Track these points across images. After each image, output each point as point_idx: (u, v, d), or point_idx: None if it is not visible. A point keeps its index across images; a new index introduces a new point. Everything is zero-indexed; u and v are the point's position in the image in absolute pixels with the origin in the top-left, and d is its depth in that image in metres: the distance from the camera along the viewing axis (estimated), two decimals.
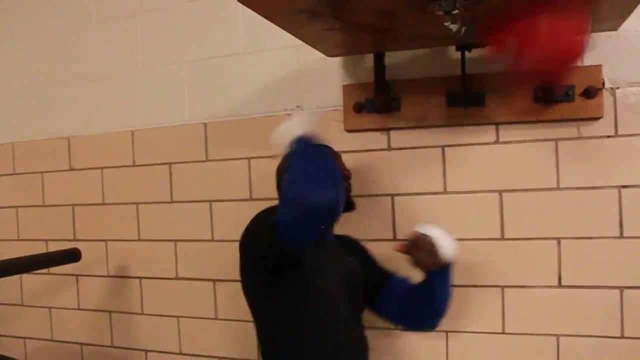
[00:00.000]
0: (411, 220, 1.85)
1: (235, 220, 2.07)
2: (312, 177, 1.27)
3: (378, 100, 1.84)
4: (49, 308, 2.55)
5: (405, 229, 1.83)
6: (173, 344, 2.28)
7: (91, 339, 2.46)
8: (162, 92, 2.26)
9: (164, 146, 2.26)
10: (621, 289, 1.67)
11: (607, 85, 1.67)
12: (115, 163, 2.36)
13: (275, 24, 1.46)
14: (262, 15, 1.38)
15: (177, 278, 2.25)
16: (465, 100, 1.75)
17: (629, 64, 1.66)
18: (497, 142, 1.78)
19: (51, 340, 2.56)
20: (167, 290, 2.27)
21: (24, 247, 2.50)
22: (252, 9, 1.33)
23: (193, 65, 2.20)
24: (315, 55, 1.86)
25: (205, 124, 2.18)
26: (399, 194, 1.89)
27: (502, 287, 1.79)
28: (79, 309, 2.48)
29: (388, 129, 1.90)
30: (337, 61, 1.95)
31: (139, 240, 2.32)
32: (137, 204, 2.32)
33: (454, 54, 1.76)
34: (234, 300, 2.12)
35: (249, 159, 2.10)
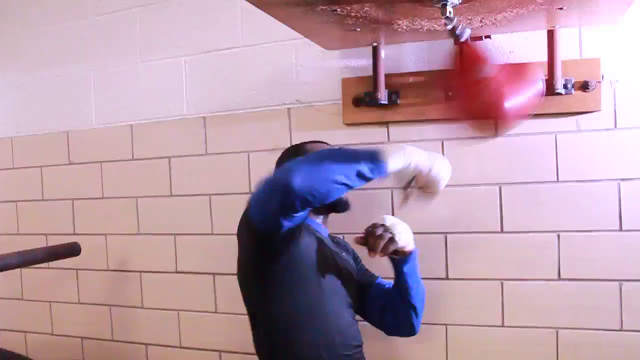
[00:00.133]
0: (410, 214, 1.85)
1: (235, 214, 2.07)
2: (303, 167, 1.25)
3: (377, 94, 1.83)
4: (49, 302, 2.56)
5: (404, 222, 1.83)
6: (173, 337, 2.28)
7: (91, 333, 2.47)
8: (161, 86, 2.26)
9: (163, 140, 2.25)
10: (620, 282, 1.67)
11: (606, 78, 1.67)
12: (114, 157, 2.36)
13: (273, 16, 1.45)
14: (259, 8, 1.37)
15: (177, 272, 2.26)
16: None
17: (628, 56, 1.66)
18: (496, 135, 1.77)
19: (51, 334, 2.56)
20: (167, 283, 2.28)
21: (23, 241, 2.49)
22: (250, 2, 1.32)
23: (192, 59, 2.20)
24: (314, 48, 1.86)
25: (204, 118, 2.18)
26: (397, 187, 1.88)
27: (502, 280, 1.79)
28: (79, 303, 2.48)
29: (387, 123, 1.90)
30: (335, 54, 1.94)
31: (139, 234, 2.33)
32: (136, 197, 2.32)
33: (453, 47, 1.75)
34: (234, 293, 2.11)
35: (248, 152, 2.10)
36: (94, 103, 2.40)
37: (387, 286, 1.66)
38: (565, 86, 1.65)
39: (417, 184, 1.42)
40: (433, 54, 1.83)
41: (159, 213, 2.28)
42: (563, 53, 1.64)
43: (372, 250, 1.42)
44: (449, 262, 1.85)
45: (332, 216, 1.66)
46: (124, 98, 2.34)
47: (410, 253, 1.51)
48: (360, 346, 1.58)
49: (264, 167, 2.00)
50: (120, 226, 2.36)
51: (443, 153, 1.83)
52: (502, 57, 1.76)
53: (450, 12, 1.25)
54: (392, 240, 1.42)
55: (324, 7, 1.34)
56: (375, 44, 1.79)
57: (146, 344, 2.35)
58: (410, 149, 1.33)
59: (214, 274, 2.18)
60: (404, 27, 1.54)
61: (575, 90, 1.66)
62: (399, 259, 1.52)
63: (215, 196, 2.17)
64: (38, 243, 2.42)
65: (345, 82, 1.92)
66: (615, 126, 1.67)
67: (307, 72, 2.01)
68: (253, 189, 1.28)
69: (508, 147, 1.77)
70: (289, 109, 2.03)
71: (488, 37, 1.71)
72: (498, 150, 1.78)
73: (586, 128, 1.69)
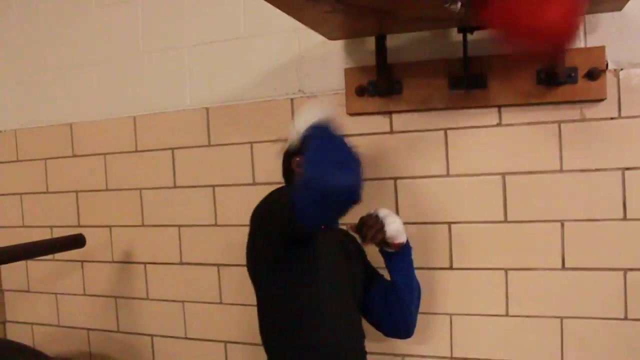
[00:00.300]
0: (414, 204, 1.86)
1: (239, 205, 2.10)
2: (333, 160, 1.27)
3: (380, 83, 1.83)
4: (55, 294, 2.57)
5: (408, 212, 1.83)
6: (178, 328, 2.29)
7: (97, 324, 2.48)
8: (164, 78, 2.26)
9: (167, 131, 2.25)
10: (625, 270, 1.67)
11: (611, 66, 1.65)
12: (118, 149, 2.36)
13: (276, 6, 1.45)
14: None
15: (182, 263, 2.27)
16: (467, 83, 1.74)
17: (633, 44, 1.65)
18: (499, 124, 1.77)
19: (58, 325, 2.58)
20: (172, 275, 2.29)
21: (28, 233, 2.51)
22: None
23: (194, 50, 2.19)
24: (317, 38, 1.85)
25: (207, 109, 2.18)
26: (401, 177, 1.89)
27: (506, 269, 1.79)
28: (84, 294, 2.49)
29: (390, 112, 1.89)
30: (338, 44, 1.94)
31: (143, 225, 2.33)
32: (140, 189, 2.33)
33: (456, 36, 1.74)
34: (239, 284, 2.14)
35: (251, 143, 2.10)
36: (96, 95, 2.40)
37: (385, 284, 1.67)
38: (569, 75, 1.64)
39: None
40: (436, 44, 1.82)
41: (163, 204, 2.29)
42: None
43: (363, 237, 1.47)
44: (453, 251, 1.84)
45: None
46: (126, 90, 2.34)
47: (400, 246, 1.54)
48: (364, 338, 1.59)
49: (268, 157, 2.02)
50: (125, 218, 2.37)
51: (446, 142, 1.83)
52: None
53: None
54: (381, 229, 1.47)
55: None
56: (378, 34, 1.79)
57: (152, 335, 2.36)
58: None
59: (218, 265, 2.19)
60: (408, 17, 1.53)
61: (579, 79, 1.65)
62: (390, 253, 1.56)
63: (219, 187, 2.17)
64: (43, 235, 2.44)
65: (349, 72, 1.92)
66: (620, 115, 1.66)
67: (310, 62, 2.00)
68: (300, 185, 1.27)
69: (512, 135, 1.76)
70: (292, 99, 2.02)
71: None
72: (502, 139, 1.77)
73: (591, 117, 1.68)
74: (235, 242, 2.09)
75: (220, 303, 2.20)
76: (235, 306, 2.17)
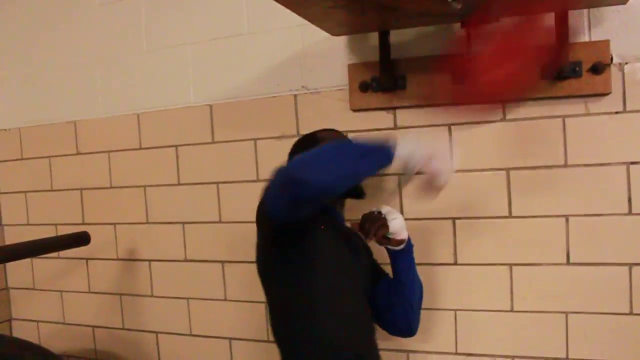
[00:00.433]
0: (418, 200, 1.85)
1: (243, 202, 2.10)
2: (320, 160, 1.27)
3: (384, 79, 1.82)
4: (60, 292, 2.58)
5: (412, 208, 1.83)
6: (183, 325, 2.30)
7: (102, 322, 2.49)
8: (167, 75, 2.26)
9: (170, 129, 2.26)
10: (630, 265, 1.67)
11: (615, 60, 1.65)
12: (121, 146, 2.36)
13: (279, 2, 1.44)
14: None
15: (186, 260, 2.27)
16: None
17: (638, 38, 1.64)
18: (503, 119, 1.77)
19: (63, 323, 2.59)
20: (176, 272, 2.29)
21: (33, 231, 2.52)
22: None
23: (197, 47, 2.19)
24: (320, 34, 1.84)
25: (210, 106, 2.18)
26: (405, 173, 1.88)
27: (510, 265, 1.78)
28: (89, 292, 2.50)
29: (394, 108, 1.89)
30: (342, 40, 1.93)
31: (147, 223, 2.34)
32: (144, 186, 2.33)
33: (460, 31, 1.74)
34: (243, 281, 2.14)
35: (255, 139, 2.09)
36: (100, 92, 2.40)
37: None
38: (574, 69, 1.63)
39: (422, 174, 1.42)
40: (440, 39, 1.81)
41: (167, 202, 2.29)
42: (571, 35, 1.62)
43: (366, 233, 1.49)
44: (457, 247, 1.84)
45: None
46: (130, 87, 2.34)
47: (402, 243, 1.56)
48: (374, 332, 1.60)
49: (271, 154, 2.02)
50: (129, 215, 2.37)
51: (450, 138, 1.82)
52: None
53: None
54: (383, 225, 1.48)
55: None
56: (382, 29, 1.78)
57: (156, 332, 2.37)
58: (416, 140, 1.34)
59: (222, 261, 2.19)
60: (411, 12, 1.53)
61: (584, 73, 1.64)
62: (393, 250, 1.58)
63: (223, 184, 2.17)
64: (48, 233, 2.45)
65: (352, 68, 1.91)
66: (625, 109, 1.65)
67: (313, 58, 2.00)
68: (268, 178, 1.28)
69: (516, 131, 1.75)
70: (295, 95, 2.02)
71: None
72: (506, 134, 1.76)
73: (595, 111, 1.68)
74: (239, 239, 2.11)
75: (225, 300, 2.20)
76: (240, 303, 2.17)
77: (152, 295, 2.36)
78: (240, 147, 2.12)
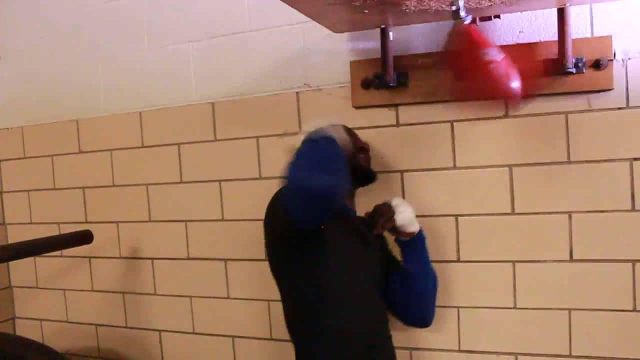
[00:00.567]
0: (421, 196, 1.85)
1: (245, 199, 2.10)
2: (314, 163, 1.32)
3: (386, 76, 1.82)
4: (63, 290, 2.59)
5: (415, 205, 1.82)
6: (186, 323, 2.30)
7: (105, 320, 2.49)
8: (169, 73, 2.26)
9: (172, 127, 2.26)
10: (633, 262, 1.66)
11: (618, 56, 1.64)
12: (124, 144, 2.36)
13: None
14: None
15: (189, 258, 2.27)
16: None
17: None
18: (506, 116, 1.76)
19: (66, 321, 2.60)
20: (179, 270, 2.29)
21: (36, 230, 2.52)
22: None
23: (199, 44, 2.19)
24: (322, 31, 1.84)
25: (212, 104, 2.17)
26: (408, 170, 1.88)
27: (513, 262, 1.78)
28: (92, 290, 2.50)
29: (396, 105, 1.88)
30: (343, 37, 1.93)
31: (150, 221, 2.34)
32: (147, 185, 2.33)
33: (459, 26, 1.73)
34: (246, 279, 2.14)
35: (257, 137, 2.09)
36: (102, 91, 2.40)
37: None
38: (576, 65, 1.62)
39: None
40: (441, 35, 1.80)
41: (169, 200, 2.29)
42: (574, 31, 1.62)
43: (374, 225, 1.53)
44: (460, 244, 1.84)
45: None
46: (132, 85, 2.34)
47: (412, 235, 1.60)
48: (387, 322, 1.62)
49: (274, 152, 2.01)
50: (132, 213, 2.37)
51: (453, 135, 1.82)
52: (511, 37, 1.75)
53: None
54: (390, 218, 1.53)
55: None
56: (383, 26, 1.78)
57: (159, 330, 2.37)
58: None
59: (225, 259, 2.19)
60: (412, 8, 1.52)
61: (586, 69, 1.63)
62: (404, 241, 1.62)
63: (226, 182, 2.17)
64: (50, 232, 2.45)
65: (354, 65, 1.91)
66: (628, 105, 1.64)
67: (315, 55, 2.00)
68: (282, 185, 1.30)
69: (519, 127, 1.75)
70: (297, 93, 2.02)
71: (497, 17, 1.70)
72: (509, 130, 1.76)
73: (598, 107, 1.67)
74: (242, 237, 2.11)
75: (228, 298, 2.20)
76: (243, 301, 2.17)
77: (155, 294, 2.36)
78: (243, 145, 2.12)
